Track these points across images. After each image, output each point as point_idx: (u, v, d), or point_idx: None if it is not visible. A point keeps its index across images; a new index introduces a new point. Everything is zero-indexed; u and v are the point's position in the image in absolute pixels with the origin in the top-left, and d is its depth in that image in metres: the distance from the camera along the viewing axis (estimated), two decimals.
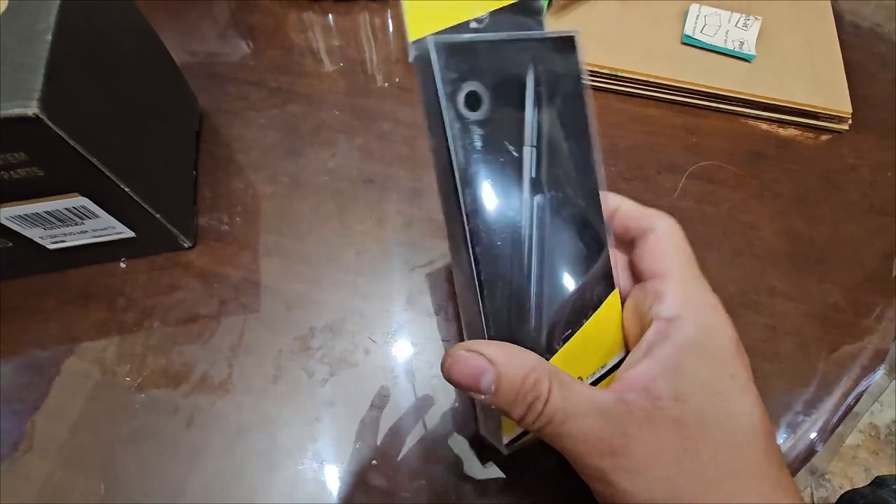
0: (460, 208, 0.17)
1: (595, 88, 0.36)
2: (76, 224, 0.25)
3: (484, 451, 0.25)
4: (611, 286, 0.20)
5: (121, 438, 0.25)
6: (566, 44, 0.19)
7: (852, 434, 0.97)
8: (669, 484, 0.16)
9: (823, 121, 0.34)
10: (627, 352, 0.20)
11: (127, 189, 0.23)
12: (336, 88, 0.36)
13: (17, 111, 0.18)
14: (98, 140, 0.21)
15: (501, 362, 0.17)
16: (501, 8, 0.19)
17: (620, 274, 0.21)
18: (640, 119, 0.35)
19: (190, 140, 0.32)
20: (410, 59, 0.17)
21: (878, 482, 0.43)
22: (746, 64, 0.35)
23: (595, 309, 0.20)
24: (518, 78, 0.18)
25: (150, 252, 0.29)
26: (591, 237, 0.20)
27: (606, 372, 0.21)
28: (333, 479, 0.25)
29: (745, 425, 0.17)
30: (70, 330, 0.28)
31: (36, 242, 0.26)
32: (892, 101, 0.36)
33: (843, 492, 0.44)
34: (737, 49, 0.35)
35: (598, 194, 0.20)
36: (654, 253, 0.20)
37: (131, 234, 0.27)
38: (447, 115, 0.17)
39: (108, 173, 0.22)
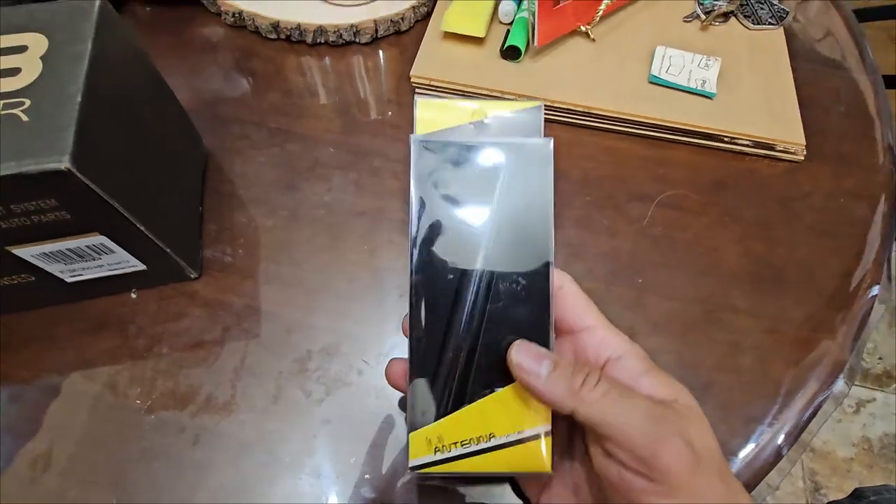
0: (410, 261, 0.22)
1: (568, 124, 0.39)
2: (93, 259, 0.27)
3: None
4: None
5: (132, 457, 0.27)
6: (542, 150, 0.22)
7: (845, 448, 0.98)
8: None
9: (780, 152, 0.37)
10: (551, 429, 0.22)
11: (142, 227, 0.26)
12: (331, 127, 0.39)
13: (51, 166, 0.20)
14: (119, 186, 0.24)
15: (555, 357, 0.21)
16: (503, 112, 0.24)
17: None
18: (610, 152, 0.38)
19: (197, 178, 0.35)
20: (411, 148, 0.22)
21: (857, 494, 0.45)
22: (708, 101, 0.38)
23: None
24: (488, 174, 0.22)
25: (159, 283, 0.32)
26: (533, 312, 0.22)
27: (521, 440, 0.22)
28: (330, 491, 0.27)
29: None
30: (84, 356, 0.30)
31: (56, 276, 0.28)
32: (844, 132, 0.39)
33: None
34: (699, 87, 0.38)
35: (549, 278, 0.22)
36: (574, 308, 0.23)
37: (142, 266, 0.29)
38: (414, 194, 0.22)
39: (128, 215, 0.24)
